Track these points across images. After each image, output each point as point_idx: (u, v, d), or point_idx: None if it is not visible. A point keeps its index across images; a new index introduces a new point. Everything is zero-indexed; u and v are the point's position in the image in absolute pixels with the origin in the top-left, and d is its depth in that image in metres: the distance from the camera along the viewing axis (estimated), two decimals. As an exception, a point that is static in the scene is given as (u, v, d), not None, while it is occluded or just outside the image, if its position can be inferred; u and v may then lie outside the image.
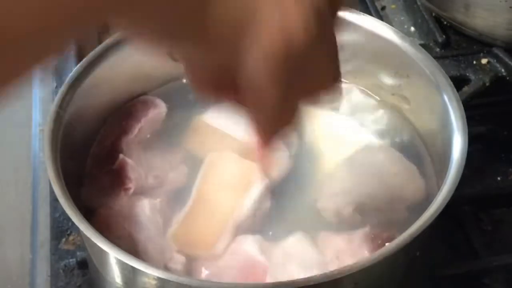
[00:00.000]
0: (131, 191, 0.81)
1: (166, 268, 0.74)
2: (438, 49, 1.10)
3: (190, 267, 0.76)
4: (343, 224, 0.79)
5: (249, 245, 0.76)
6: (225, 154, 0.83)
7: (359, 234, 0.76)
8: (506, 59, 1.03)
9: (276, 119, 0.57)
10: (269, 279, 0.73)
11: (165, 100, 0.89)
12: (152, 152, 0.85)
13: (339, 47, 0.60)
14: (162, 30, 0.51)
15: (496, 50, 1.05)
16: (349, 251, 0.74)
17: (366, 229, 0.76)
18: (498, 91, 1.02)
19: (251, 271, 0.74)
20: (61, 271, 0.87)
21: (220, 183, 0.81)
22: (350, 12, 0.90)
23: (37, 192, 0.96)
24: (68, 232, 0.90)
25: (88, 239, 0.69)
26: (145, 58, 0.88)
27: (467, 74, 1.03)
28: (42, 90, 1.08)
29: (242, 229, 0.78)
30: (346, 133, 0.87)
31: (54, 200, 0.90)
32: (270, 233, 0.78)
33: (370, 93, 0.91)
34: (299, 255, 0.75)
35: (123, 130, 0.85)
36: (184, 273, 0.74)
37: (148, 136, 0.87)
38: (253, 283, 0.74)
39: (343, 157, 0.84)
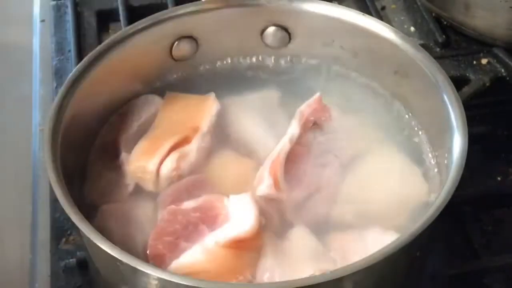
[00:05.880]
0: (131, 187, 0.81)
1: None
2: (438, 49, 1.10)
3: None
4: (346, 228, 0.79)
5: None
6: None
7: (366, 234, 0.76)
8: (506, 59, 1.03)
9: None
10: (277, 274, 0.73)
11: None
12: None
13: None
14: None
15: (496, 50, 1.04)
16: (356, 250, 0.74)
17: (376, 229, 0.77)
18: (498, 91, 1.02)
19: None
20: (61, 271, 0.86)
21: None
22: (350, 12, 0.90)
23: (37, 192, 0.96)
24: (68, 232, 0.90)
25: (88, 239, 0.68)
26: (144, 58, 0.89)
27: (467, 74, 1.03)
28: (42, 90, 1.08)
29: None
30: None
31: (54, 200, 0.90)
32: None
33: (370, 93, 0.91)
34: (306, 248, 0.75)
35: (124, 128, 0.86)
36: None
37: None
38: (251, 284, 0.74)
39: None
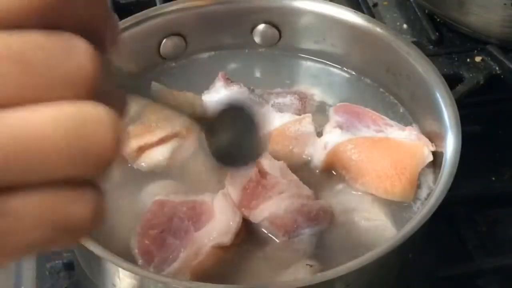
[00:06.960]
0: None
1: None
2: (431, 47, 1.09)
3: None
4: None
5: None
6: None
7: None
8: (501, 57, 1.02)
9: None
10: None
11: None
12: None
13: None
14: None
15: (490, 48, 1.04)
16: None
17: None
18: (492, 89, 1.01)
19: None
20: (47, 273, 0.86)
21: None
22: (341, 9, 0.89)
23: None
24: (54, 233, 0.89)
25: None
26: (131, 56, 0.88)
27: (461, 72, 1.02)
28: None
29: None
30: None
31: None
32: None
33: (362, 90, 0.90)
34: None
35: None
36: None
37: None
38: (245, 286, 0.74)
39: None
